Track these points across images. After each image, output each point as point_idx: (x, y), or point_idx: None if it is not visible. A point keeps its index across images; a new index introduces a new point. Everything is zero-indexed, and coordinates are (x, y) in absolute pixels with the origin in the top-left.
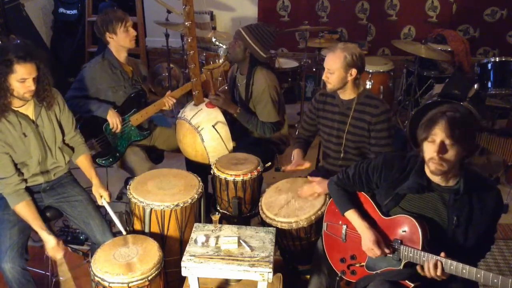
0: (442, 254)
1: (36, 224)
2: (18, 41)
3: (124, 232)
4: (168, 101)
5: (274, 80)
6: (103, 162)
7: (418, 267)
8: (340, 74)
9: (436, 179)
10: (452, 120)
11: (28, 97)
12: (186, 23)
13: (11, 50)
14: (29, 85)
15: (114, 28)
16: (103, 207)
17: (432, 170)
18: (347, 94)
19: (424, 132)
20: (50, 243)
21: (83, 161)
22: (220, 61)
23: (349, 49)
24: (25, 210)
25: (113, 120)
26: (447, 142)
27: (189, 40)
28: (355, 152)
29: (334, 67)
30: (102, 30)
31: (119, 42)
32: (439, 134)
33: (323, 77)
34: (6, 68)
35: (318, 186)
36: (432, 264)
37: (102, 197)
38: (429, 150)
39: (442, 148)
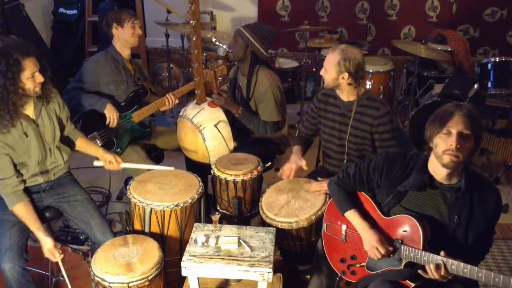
0: (442, 253)
1: (33, 225)
2: (10, 40)
3: (170, 167)
4: (169, 97)
5: (277, 79)
6: None
7: (421, 271)
8: (332, 74)
9: (439, 176)
10: (469, 112)
11: (38, 91)
12: (192, 22)
13: (13, 49)
14: (38, 78)
15: (122, 21)
16: (104, 207)
17: (446, 162)
18: (346, 96)
19: (438, 125)
20: (47, 244)
21: (81, 142)
22: (219, 61)
23: (346, 53)
24: (23, 210)
25: (111, 114)
26: (465, 132)
27: (194, 39)
28: (357, 154)
29: (328, 66)
30: (110, 21)
31: (123, 35)
32: (456, 125)
33: (321, 72)
34: (16, 68)
35: (326, 184)
36: (434, 266)
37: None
38: (444, 142)
39: (459, 139)
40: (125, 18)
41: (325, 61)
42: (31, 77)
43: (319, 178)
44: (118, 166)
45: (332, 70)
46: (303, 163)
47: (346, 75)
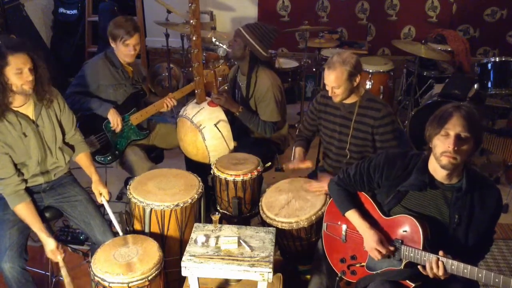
0: (441, 253)
1: (36, 225)
2: (6, 38)
3: (120, 233)
4: (168, 102)
5: (277, 80)
6: (102, 159)
7: (420, 267)
8: (347, 86)
9: (440, 176)
10: (467, 114)
11: (27, 89)
12: (192, 21)
13: (2, 43)
14: (26, 76)
15: (116, 38)
16: (103, 206)
17: (444, 164)
18: (350, 98)
19: (437, 126)
20: (49, 245)
21: (82, 159)
22: (220, 61)
23: (347, 61)
24: (25, 211)
25: (114, 119)
26: (463, 134)
27: (194, 38)
28: (357, 156)
29: (339, 83)
30: (108, 33)
31: (117, 50)
32: (454, 127)
33: (330, 93)
34: (0, 62)
35: (327, 182)
36: (434, 264)
37: (102, 195)
38: (442, 144)
39: (457, 141)
40: (118, 35)
41: (332, 81)
42: (17, 73)
43: (319, 174)
44: (99, 199)
45: (345, 82)
46: (308, 165)
47: (358, 77)
